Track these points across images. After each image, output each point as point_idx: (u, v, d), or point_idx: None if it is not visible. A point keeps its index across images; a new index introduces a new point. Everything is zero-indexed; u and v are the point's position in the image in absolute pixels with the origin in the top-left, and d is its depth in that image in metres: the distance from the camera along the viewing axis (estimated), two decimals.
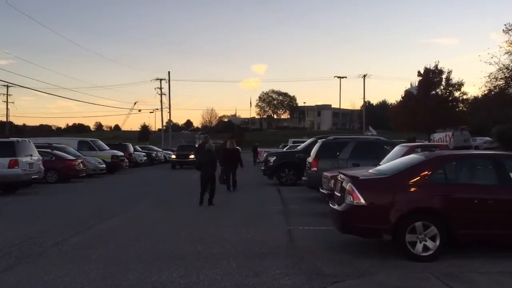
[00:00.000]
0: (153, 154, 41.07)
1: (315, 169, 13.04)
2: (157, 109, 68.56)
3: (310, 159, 13.62)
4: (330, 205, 7.56)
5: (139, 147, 43.72)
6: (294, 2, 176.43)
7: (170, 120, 79.23)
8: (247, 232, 8.79)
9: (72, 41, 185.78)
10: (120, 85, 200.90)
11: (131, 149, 35.50)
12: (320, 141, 13.73)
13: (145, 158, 37.78)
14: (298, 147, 20.26)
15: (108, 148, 29.27)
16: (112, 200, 14.56)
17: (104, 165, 25.72)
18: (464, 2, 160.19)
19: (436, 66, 43.59)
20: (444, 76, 43.89)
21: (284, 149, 28.44)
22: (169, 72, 68.06)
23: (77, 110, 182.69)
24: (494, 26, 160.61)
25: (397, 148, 10.54)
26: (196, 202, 12.69)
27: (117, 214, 11.47)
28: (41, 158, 19.34)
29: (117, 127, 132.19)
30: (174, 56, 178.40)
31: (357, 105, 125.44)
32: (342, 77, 63.13)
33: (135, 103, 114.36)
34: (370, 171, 7.72)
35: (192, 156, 30.96)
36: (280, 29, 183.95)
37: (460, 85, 43.59)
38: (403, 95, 47.19)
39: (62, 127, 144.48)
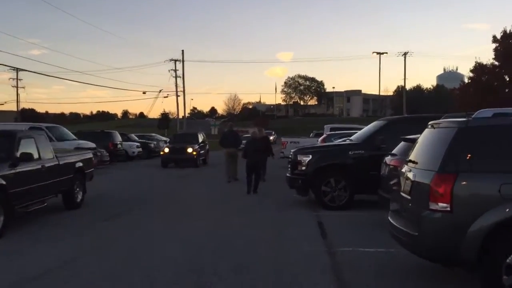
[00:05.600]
0: (152, 145, 32.79)
1: (445, 205, 4.41)
2: (178, 95, 59.77)
3: (420, 176, 4.90)
4: None
5: (136, 135, 35.65)
6: None
7: (190, 106, 70.82)
8: None
9: (93, 25, 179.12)
10: (141, 66, 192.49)
11: (118, 138, 27.35)
12: (453, 125, 4.83)
13: (139, 149, 29.64)
14: (352, 137, 11.56)
15: (74, 137, 21.12)
16: None
17: None
18: None
19: None
20: None
21: (319, 140, 19.68)
22: (182, 51, 59.33)
23: (100, 96, 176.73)
24: None
25: None
26: None
27: None
28: None
29: (141, 114, 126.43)
30: (194, 40, 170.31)
31: (390, 89, 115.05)
32: (382, 53, 53.23)
33: (160, 91, 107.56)
34: None
35: (189, 150, 23.11)
36: (306, 12, 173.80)
37: None
38: (472, 69, 36.99)
39: (89, 115, 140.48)
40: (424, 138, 5.57)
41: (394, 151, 8.22)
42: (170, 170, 22.16)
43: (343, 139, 14.47)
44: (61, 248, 6.97)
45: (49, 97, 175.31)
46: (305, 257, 6.27)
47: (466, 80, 38.97)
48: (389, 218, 5.81)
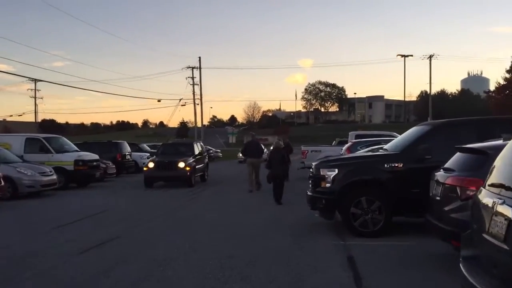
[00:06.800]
0: None
1: None
2: (197, 103, 58.28)
3: None
4: None
5: (149, 145, 34.13)
6: None
7: (210, 115, 69.44)
8: None
9: (115, 35, 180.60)
10: (159, 74, 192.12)
11: (126, 148, 25.86)
12: None
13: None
14: (386, 146, 9.49)
15: (76, 149, 19.52)
16: None
17: (53, 176, 15.99)
18: None
19: None
20: None
21: (343, 149, 17.61)
22: (199, 58, 58.53)
23: (121, 105, 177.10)
24: None
25: None
26: None
27: None
28: None
29: (161, 124, 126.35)
30: (214, 48, 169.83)
31: (413, 95, 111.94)
32: (407, 56, 50.56)
33: (180, 99, 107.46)
34: None
35: (181, 165, 18.06)
36: (326, 17, 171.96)
37: None
38: (508, 69, 34.04)
39: (109, 125, 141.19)
40: None
41: (448, 165, 6.19)
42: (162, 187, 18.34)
43: (372, 148, 12.45)
44: None
45: (71, 107, 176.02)
46: None
47: (501, 82, 36.31)
48: (461, 267, 3.82)
